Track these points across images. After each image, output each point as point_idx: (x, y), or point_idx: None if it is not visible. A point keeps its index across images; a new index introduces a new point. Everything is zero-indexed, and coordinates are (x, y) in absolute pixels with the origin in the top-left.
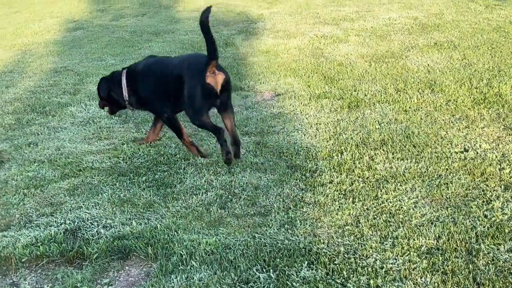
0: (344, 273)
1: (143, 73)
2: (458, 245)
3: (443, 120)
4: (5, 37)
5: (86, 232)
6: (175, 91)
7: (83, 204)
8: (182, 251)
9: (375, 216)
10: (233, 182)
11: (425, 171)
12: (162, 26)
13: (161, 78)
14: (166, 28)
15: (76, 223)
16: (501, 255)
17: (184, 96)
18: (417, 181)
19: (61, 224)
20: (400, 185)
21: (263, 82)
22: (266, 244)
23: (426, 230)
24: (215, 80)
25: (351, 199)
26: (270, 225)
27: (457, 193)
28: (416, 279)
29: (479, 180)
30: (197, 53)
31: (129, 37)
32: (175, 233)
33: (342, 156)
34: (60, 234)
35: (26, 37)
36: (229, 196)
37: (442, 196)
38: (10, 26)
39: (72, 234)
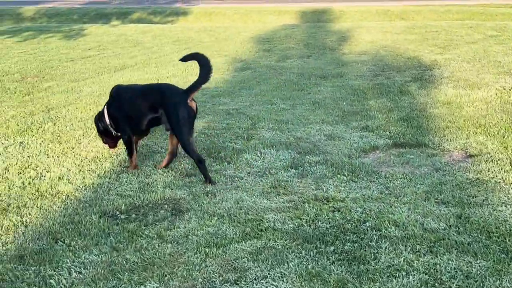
0: None
1: (115, 99)
2: None
3: None
4: (176, 74)
5: None
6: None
7: (268, 274)
8: None
9: None
10: (438, 266)
11: None
12: (329, 69)
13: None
14: (334, 71)
15: None
16: None
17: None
18: None
19: None
20: None
21: (450, 139)
22: None
23: None
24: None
25: None
26: None
27: None
28: None
29: None
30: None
31: (297, 80)
32: None
33: None
34: None
35: (196, 76)
36: (436, 284)
37: None
38: (181, 64)
39: None
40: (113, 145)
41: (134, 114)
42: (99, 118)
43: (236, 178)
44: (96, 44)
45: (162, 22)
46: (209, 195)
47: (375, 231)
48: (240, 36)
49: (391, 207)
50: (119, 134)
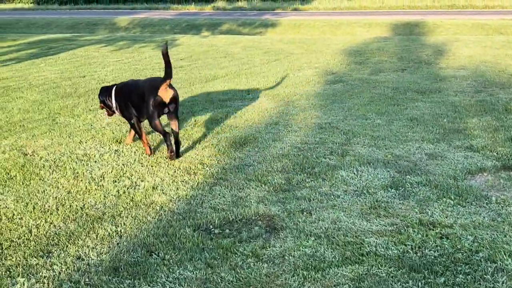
0: None
1: (122, 90)
2: None
3: None
4: (267, 86)
5: None
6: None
7: None
8: None
9: None
10: None
11: None
12: (426, 84)
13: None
14: (431, 86)
15: None
16: None
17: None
18: None
19: None
20: None
21: None
22: None
23: None
24: (166, 94)
25: None
26: None
27: None
28: None
29: None
30: (156, 77)
31: (392, 94)
32: None
33: None
34: None
35: (287, 88)
36: None
37: None
38: (272, 75)
39: None
40: (110, 115)
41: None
42: (105, 94)
43: (332, 196)
44: (187, 54)
45: (251, 34)
46: (305, 213)
47: (490, 262)
48: (331, 48)
49: (505, 236)
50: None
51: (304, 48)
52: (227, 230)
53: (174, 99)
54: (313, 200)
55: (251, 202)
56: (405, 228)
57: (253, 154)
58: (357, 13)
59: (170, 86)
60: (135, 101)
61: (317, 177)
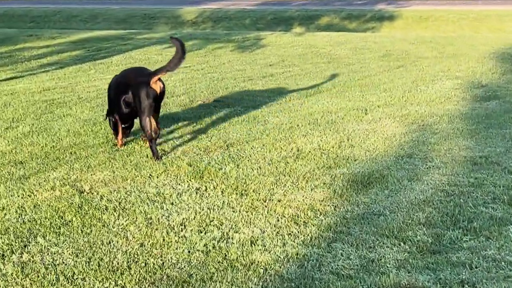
0: None
1: None
2: None
3: None
4: (391, 102)
5: None
6: None
7: None
8: None
9: None
10: None
11: None
12: None
13: None
14: None
15: None
16: None
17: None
18: None
19: None
20: None
21: None
22: None
23: None
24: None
25: None
26: None
27: None
28: None
29: None
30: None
31: None
32: None
33: None
34: None
35: (419, 105)
36: None
37: None
38: (396, 88)
39: None
40: None
41: None
42: None
43: (503, 263)
44: (278, 59)
45: (360, 30)
46: (466, 286)
47: None
48: (476, 51)
49: None
50: None
51: (438, 50)
52: None
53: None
54: (476, 267)
55: (387, 267)
56: None
57: (383, 198)
58: (508, 2)
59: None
60: None
61: (478, 234)
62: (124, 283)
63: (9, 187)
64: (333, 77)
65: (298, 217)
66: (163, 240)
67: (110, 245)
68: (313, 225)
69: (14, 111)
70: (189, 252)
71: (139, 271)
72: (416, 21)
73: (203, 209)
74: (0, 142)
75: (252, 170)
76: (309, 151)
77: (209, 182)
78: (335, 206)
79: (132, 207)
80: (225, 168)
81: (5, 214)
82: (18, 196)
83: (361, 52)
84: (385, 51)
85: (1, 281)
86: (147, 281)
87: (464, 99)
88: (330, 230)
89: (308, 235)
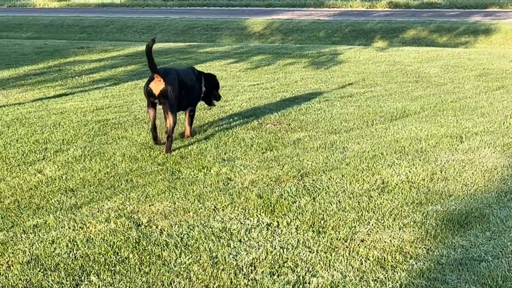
0: None
1: None
2: None
3: None
4: (491, 129)
5: None
6: None
7: None
8: None
9: None
10: None
11: None
12: None
13: None
14: None
15: None
16: None
17: None
18: None
19: None
20: None
21: None
22: None
23: None
24: (155, 86)
25: None
26: None
27: None
28: None
29: None
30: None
31: None
32: None
33: None
34: None
35: None
36: None
37: None
38: (496, 112)
39: None
40: None
41: None
42: None
43: None
44: (358, 77)
45: (452, 45)
46: None
47: None
48: None
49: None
50: None
51: None
52: None
53: (164, 91)
54: None
55: None
56: None
57: (484, 241)
58: None
59: (166, 79)
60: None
61: None
62: None
63: (59, 218)
64: (422, 99)
65: (384, 260)
66: (231, 282)
67: (171, 286)
68: (403, 270)
69: (64, 132)
70: None
71: None
72: None
73: (275, 248)
74: (50, 167)
75: (331, 204)
76: (396, 184)
77: (281, 217)
78: (428, 249)
79: (196, 243)
80: (299, 201)
81: (55, 249)
82: (69, 228)
83: (454, 70)
84: (481, 69)
85: None
86: None
87: None
88: (422, 276)
89: (397, 281)
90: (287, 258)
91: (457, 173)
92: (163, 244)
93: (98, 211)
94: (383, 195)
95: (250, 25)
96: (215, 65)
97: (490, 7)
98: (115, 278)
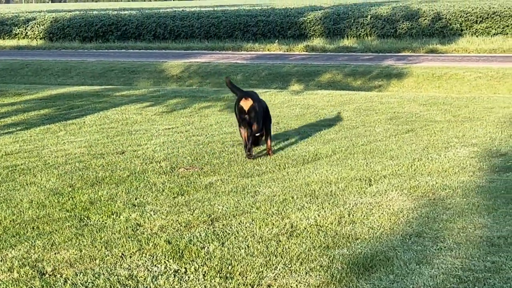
0: None
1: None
2: None
3: None
4: (399, 172)
5: None
6: None
7: None
8: None
9: None
10: None
11: None
12: None
13: None
14: None
15: None
16: None
17: None
18: None
19: None
20: None
21: None
22: None
23: None
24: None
25: None
26: None
27: None
28: None
29: None
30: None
31: None
32: None
33: None
34: None
35: (430, 176)
36: None
37: None
38: (404, 155)
39: None
40: None
41: None
42: None
43: None
44: (273, 120)
45: (366, 88)
46: None
47: None
48: (494, 114)
49: None
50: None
51: (452, 113)
52: None
53: (252, 107)
54: None
55: None
56: None
57: (387, 284)
58: None
59: (252, 98)
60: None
61: None
62: None
63: None
64: (333, 142)
65: None
66: None
67: None
68: None
69: None
70: None
71: None
72: (427, 79)
73: None
74: None
75: (239, 249)
76: (305, 228)
77: (189, 263)
78: None
79: None
80: (208, 247)
81: None
82: None
83: (366, 113)
84: (392, 113)
85: None
86: None
87: (481, 169)
88: None
89: None
90: None
91: (364, 216)
92: None
93: (1, 260)
94: (292, 239)
95: (168, 68)
96: (130, 109)
97: (403, 51)
98: None
